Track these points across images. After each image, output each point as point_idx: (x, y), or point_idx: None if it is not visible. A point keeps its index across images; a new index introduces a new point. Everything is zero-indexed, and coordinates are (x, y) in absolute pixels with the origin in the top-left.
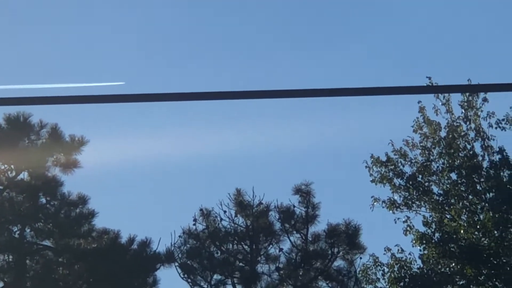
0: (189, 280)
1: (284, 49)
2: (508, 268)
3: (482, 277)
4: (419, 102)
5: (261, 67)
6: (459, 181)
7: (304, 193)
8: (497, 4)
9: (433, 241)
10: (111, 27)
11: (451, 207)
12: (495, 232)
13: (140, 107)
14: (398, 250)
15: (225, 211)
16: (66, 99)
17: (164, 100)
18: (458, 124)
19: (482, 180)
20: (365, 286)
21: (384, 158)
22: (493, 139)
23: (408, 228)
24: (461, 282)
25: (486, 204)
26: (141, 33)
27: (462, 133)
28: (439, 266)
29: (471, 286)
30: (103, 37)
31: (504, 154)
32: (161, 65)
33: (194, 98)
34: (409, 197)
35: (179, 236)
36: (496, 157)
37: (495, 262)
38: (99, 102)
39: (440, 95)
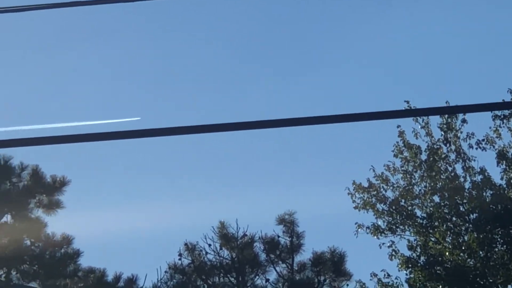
0: None
1: (259, 78)
2: None
3: None
4: (398, 126)
5: (239, 97)
6: (442, 204)
7: (287, 222)
8: (469, 24)
9: (419, 264)
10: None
11: (435, 229)
12: (481, 252)
13: (121, 144)
14: (385, 275)
15: (209, 245)
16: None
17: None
18: (438, 146)
19: (465, 201)
20: None
21: (366, 184)
22: (474, 160)
23: (393, 253)
24: None
25: (470, 225)
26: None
27: (443, 155)
28: None
29: None
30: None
31: (486, 174)
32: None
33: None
34: (392, 221)
35: (165, 272)
36: (478, 178)
37: (481, 282)
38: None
39: (419, 118)
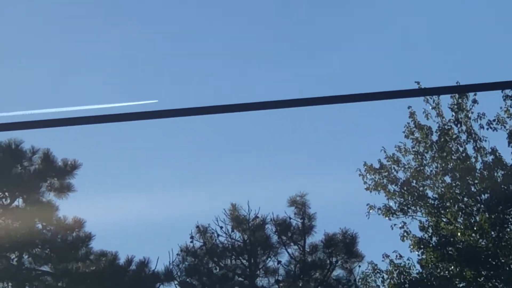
0: None
1: (267, 61)
2: (507, 268)
3: (482, 279)
4: (409, 107)
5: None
6: (454, 184)
7: (299, 204)
8: (478, 4)
9: (431, 245)
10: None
11: (447, 210)
12: (492, 233)
13: (132, 126)
14: (396, 256)
15: (221, 227)
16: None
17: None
18: (449, 127)
19: (476, 181)
20: None
21: (377, 165)
22: (485, 140)
23: (405, 234)
24: (460, 285)
25: (482, 206)
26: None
27: (454, 136)
28: (438, 270)
29: None
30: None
31: (497, 154)
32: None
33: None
34: (404, 202)
35: (177, 254)
36: (489, 158)
37: (493, 263)
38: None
39: (429, 99)
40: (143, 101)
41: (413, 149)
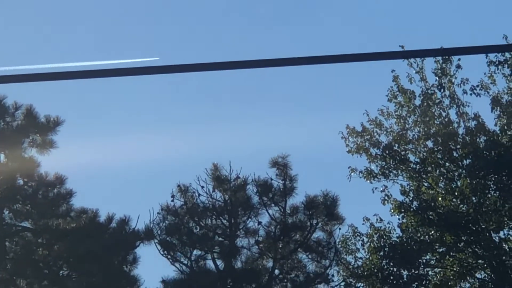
0: (169, 257)
1: (255, 23)
2: (487, 234)
3: (462, 244)
4: (392, 71)
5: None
6: (436, 149)
7: (281, 165)
8: None
9: (412, 209)
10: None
11: (428, 175)
12: (473, 198)
13: (116, 83)
14: (377, 219)
15: (202, 187)
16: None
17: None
18: (432, 91)
19: (458, 147)
20: (345, 256)
21: (359, 128)
22: (468, 106)
23: (386, 198)
24: (440, 250)
25: (463, 171)
26: None
27: (437, 101)
28: (418, 234)
29: (451, 253)
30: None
31: (480, 120)
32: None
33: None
34: (386, 166)
35: (158, 213)
36: (472, 124)
37: (473, 228)
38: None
39: (413, 63)
40: (142, 58)
41: (396, 113)
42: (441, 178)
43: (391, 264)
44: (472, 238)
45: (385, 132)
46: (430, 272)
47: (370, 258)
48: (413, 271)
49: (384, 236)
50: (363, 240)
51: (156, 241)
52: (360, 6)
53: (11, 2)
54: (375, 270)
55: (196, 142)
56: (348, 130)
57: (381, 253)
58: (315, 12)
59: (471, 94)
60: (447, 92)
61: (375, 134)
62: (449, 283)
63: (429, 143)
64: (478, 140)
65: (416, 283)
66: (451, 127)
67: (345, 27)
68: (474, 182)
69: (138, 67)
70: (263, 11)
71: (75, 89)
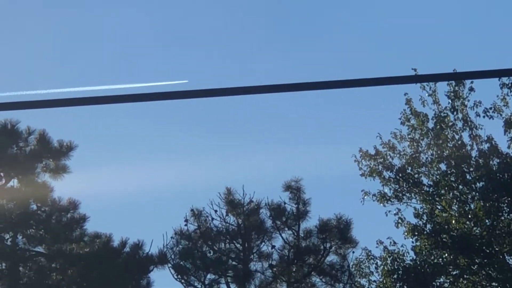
0: (182, 281)
1: (262, 46)
2: (501, 257)
3: (475, 267)
4: (405, 94)
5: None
6: (449, 172)
7: (294, 189)
8: None
9: (425, 232)
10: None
11: (442, 197)
12: (487, 221)
13: (129, 107)
14: (390, 242)
15: (216, 211)
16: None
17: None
18: (445, 114)
19: (471, 169)
20: (358, 280)
21: (372, 152)
22: (481, 128)
23: (400, 221)
24: (454, 272)
25: (477, 194)
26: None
27: (450, 124)
28: (432, 257)
29: (464, 275)
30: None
31: (493, 142)
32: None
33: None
34: (399, 189)
35: (171, 237)
36: (485, 146)
37: (487, 251)
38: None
39: (426, 86)
40: (173, 81)
41: (409, 136)
42: (455, 200)
43: (405, 287)
44: (485, 260)
45: (398, 155)
46: None
47: (384, 281)
48: None
49: (398, 259)
50: (376, 263)
51: (169, 265)
52: (372, 28)
53: (25, 23)
54: None
55: (210, 166)
56: (361, 153)
57: (395, 276)
58: (326, 37)
59: (484, 117)
60: (460, 115)
61: (388, 157)
62: None
63: (442, 166)
64: (491, 162)
65: None
66: (464, 150)
67: (357, 49)
68: (487, 204)
69: (166, 91)
70: (276, 35)
71: (88, 113)
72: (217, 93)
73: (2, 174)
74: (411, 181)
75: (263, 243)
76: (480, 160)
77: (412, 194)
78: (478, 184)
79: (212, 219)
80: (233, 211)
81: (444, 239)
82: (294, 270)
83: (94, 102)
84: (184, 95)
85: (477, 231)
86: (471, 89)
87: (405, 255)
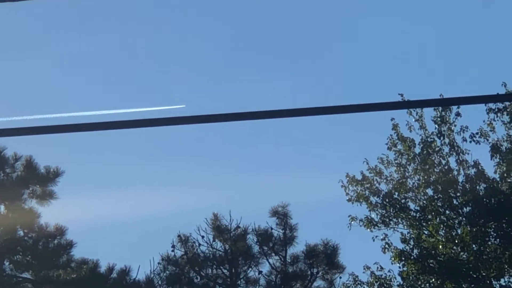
0: None
1: (253, 69)
2: (488, 282)
3: None
4: (392, 119)
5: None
6: (436, 197)
7: (281, 215)
8: (464, 16)
9: (412, 257)
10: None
11: (429, 222)
12: (474, 246)
13: (117, 134)
14: (377, 268)
15: (203, 236)
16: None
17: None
18: (432, 139)
19: (458, 194)
20: None
21: (359, 177)
22: (468, 153)
23: (387, 246)
24: None
25: (464, 219)
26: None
27: (437, 149)
28: (419, 282)
29: None
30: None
31: (479, 167)
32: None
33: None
34: (386, 214)
35: (158, 263)
36: (472, 171)
37: (474, 276)
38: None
39: (413, 111)
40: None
41: (396, 161)
42: (441, 226)
43: None
44: (472, 285)
45: (385, 180)
46: None
47: None
48: None
49: (385, 285)
50: None
51: None
52: (359, 53)
53: (15, 47)
54: None
55: (197, 192)
56: (348, 178)
57: None
58: (313, 63)
59: (470, 142)
60: (446, 140)
61: (375, 182)
62: None
63: (429, 191)
64: (478, 187)
65: None
66: (451, 175)
67: (343, 74)
68: (474, 229)
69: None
70: (258, 62)
71: (75, 140)
72: (208, 119)
73: None
74: (398, 206)
75: (250, 269)
76: (467, 185)
77: (399, 219)
78: (465, 209)
79: (199, 244)
80: (220, 237)
81: (431, 264)
82: None
83: (77, 129)
84: (177, 121)
85: (464, 256)
86: (458, 114)
87: (392, 280)
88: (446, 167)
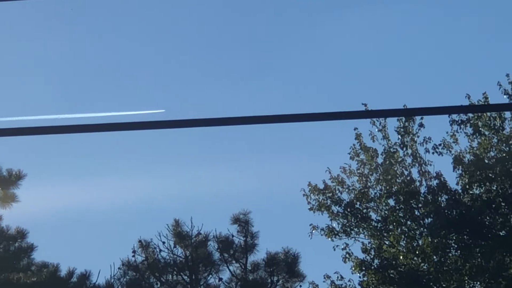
0: None
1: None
2: None
3: None
4: (355, 129)
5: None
6: (397, 207)
7: (242, 222)
8: (427, 27)
9: (373, 267)
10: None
11: (390, 233)
12: (434, 257)
13: (75, 139)
14: (338, 277)
15: (164, 242)
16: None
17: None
18: (394, 150)
19: (420, 205)
20: None
21: (321, 186)
22: (430, 164)
23: (347, 255)
24: None
25: (425, 230)
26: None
27: (399, 159)
28: None
29: None
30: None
31: (442, 179)
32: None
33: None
34: (347, 224)
35: (119, 268)
36: (434, 182)
37: (435, 287)
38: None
39: (376, 121)
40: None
41: (358, 171)
42: (403, 236)
43: None
44: None
45: (347, 190)
46: None
47: None
48: None
49: None
50: None
51: None
52: (322, 62)
53: None
54: None
55: (158, 197)
56: (310, 187)
57: None
58: (276, 72)
59: (433, 153)
60: (409, 151)
61: (337, 191)
62: None
63: (391, 201)
64: (439, 199)
65: None
66: (413, 186)
67: (307, 83)
68: (435, 241)
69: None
70: (226, 70)
71: (38, 142)
72: (182, 124)
73: None
74: (359, 216)
75: (210, 276)
76: (429, 196)
77: (360, 229)
78: (426, 220)
79: (160, 250)
80: (181, 243)
81: (391, 275)
82: None
83: (41, 132)
84: (153, 125)
85: (425, 267)
86: (421, 125)
87: None
88: (408, 178)
